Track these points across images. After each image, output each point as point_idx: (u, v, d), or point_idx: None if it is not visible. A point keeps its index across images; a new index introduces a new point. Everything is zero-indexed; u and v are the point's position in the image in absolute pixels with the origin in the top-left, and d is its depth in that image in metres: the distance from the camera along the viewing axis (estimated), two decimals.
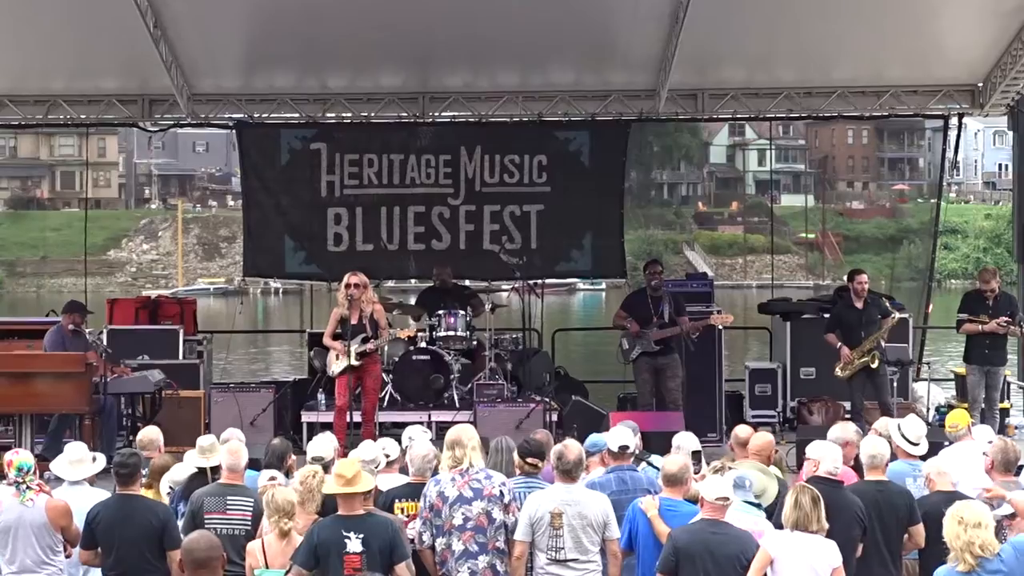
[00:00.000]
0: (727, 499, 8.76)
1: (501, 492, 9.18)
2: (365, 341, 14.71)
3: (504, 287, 18.39)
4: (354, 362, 14.64)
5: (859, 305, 15.56)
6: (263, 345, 39.72)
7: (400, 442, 10.73)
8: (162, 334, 17.59)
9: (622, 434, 10.16)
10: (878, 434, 10.50)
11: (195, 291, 69.78)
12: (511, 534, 9.14)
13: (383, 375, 15.82)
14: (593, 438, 10.52)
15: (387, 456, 10.42)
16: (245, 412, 15.66)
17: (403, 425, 14.25)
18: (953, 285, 71.54)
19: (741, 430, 11.01)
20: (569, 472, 9.24)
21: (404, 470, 10.23)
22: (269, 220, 19.06)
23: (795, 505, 8.67)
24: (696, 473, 10.02)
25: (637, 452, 10.44)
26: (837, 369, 15.47)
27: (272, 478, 9.90)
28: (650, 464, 10.37)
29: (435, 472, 9.57)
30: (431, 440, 10.84)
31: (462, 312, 16.96)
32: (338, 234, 18.75)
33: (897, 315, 15.65)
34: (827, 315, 17.28)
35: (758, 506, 9.56)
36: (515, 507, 9.20)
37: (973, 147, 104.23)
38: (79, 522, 9.59)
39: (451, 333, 16.77)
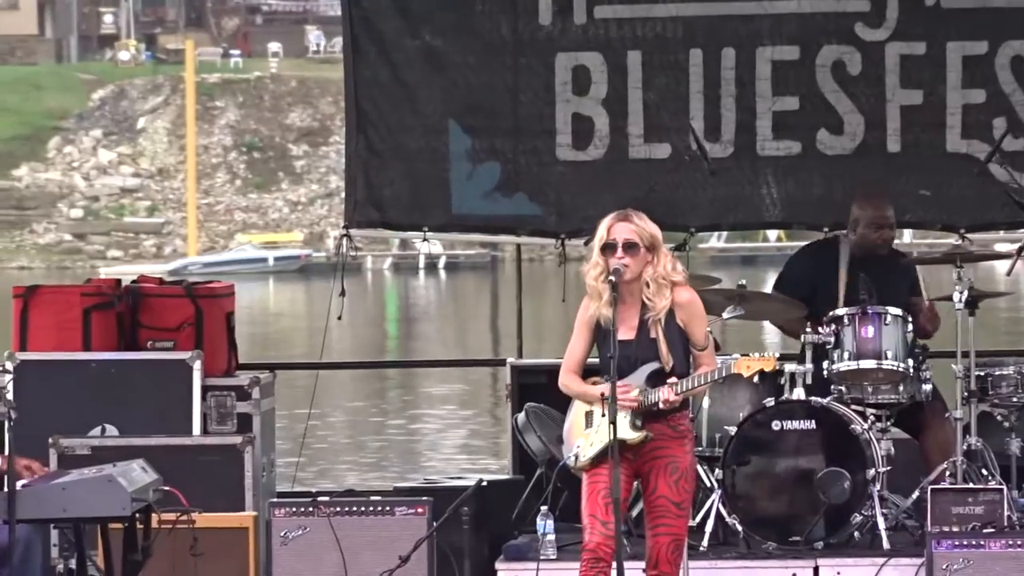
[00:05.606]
0: None
1: None
2: (657, 378, 9.28)
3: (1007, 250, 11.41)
4: (632, 434, 9.29)
5: None
6: (395, 385, 26.79)
7: None
8: (150, 369, 10.95)
9: None
10: None
11: (228, 263, 54.81)
12: None
13: (699, 467, 10.40)
14: None
15: None
16: (358, 561, 9.85)
17: None
18: None
19: None
20: None
21: None
22: (411, 89, 11.87)
23: None
24: None
25: None
26: None
27: None
28: None
29: None
30: None
31: (896, 312, 10.75)
32: (582, 120, 11.73)
33: None
34: None
35: None
36: None
37: None
38: None
39: (869, 363, 10.70)
